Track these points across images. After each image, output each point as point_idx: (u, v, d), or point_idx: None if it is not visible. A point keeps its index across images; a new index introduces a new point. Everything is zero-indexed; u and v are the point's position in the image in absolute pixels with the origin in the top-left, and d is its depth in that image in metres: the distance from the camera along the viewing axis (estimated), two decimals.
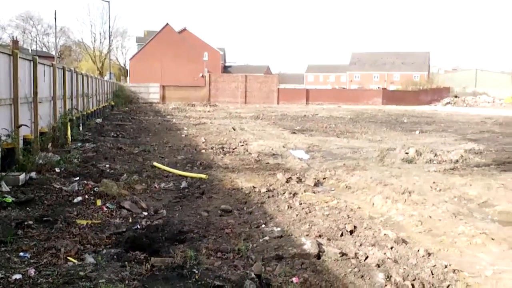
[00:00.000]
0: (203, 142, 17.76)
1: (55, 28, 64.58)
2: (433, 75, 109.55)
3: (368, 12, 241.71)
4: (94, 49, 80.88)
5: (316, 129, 25.26)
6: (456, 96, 70.04)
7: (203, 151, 15.67)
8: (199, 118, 31.21)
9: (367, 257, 6.02)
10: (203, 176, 11.00)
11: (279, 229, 7.10)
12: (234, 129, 23.33)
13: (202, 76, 62.99)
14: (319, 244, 6.29)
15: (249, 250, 6.02)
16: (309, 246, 6.19)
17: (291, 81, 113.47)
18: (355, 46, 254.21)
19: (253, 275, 5.20)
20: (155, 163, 12.39)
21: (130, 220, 7.41)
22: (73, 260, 5.51)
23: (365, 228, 7.37)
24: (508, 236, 7.44)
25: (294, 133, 22.68)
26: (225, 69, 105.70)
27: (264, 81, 56.78)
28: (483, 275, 5.79)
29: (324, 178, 11.62)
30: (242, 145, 17.08)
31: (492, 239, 7.17)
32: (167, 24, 68.48)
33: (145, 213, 7.90)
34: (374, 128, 26.25)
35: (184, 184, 10.23)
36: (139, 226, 7.06)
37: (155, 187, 9.99)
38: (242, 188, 9.90)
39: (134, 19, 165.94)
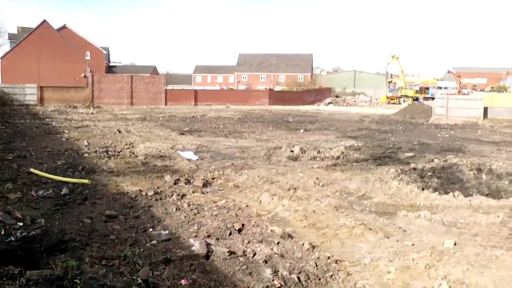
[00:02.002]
0: (86, 146, 16.90)
1: None
2: (316, 76, 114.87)
3: (253, 14, 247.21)
4: None
5: (205, 129, 25.24)
6: (337, 96, 74.10)
7: (86, 155, 14.91)
8: (82, 120, 29.66)
9: (255, 254, 6.12)
10: (85, 181, 10.45)
11: (167, 232, 6.97)
12: (120, 132, 22.50)
13: (85, 76, 60.02)
14: (208, 245, 6.28)
15: (136, 255, 5.82)
16: (197, 247, 6.14)
17: (179, 81, 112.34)
18: (241, 47, 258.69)
19: (139, 281, 5.05)
20: (32, 170, 11.53)
21: (3, 232, 6.81)
22: None
23: (253, 225, 7.50)
24: (383, 225, 7.99)
25: (182, 134, 22.43)
26: (110, 69, 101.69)
27: (151, 82, 55.43)
28: (362, 263, 6.16)
29: (213, 178, 11.64)
30: (128, 148, 16.53)
31: (370, 229, 7.66)
32: (44, 20, 64.25)
33: (21, 224, 7.31)
34: (262, 127, 26.85)
35: (65, 190, 9.63)
36: (13, 238, 6.51)
37: (32, 195, 9.29)
38: (128, 192, 9.57)
39: (6, 14, 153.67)
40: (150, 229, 7.10)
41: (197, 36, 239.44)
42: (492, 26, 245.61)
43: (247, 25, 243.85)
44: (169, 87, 69.05)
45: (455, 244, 6.86)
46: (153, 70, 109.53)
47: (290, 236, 7.09)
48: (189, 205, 8.65)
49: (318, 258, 6.13)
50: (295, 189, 10.41)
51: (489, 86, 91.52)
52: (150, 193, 9.48)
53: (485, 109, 35.15)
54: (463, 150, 17.33)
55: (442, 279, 5.54)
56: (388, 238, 7.26)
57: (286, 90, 78.46)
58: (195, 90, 64.51)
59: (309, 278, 5.56)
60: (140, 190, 9.75)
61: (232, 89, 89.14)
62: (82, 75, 61.18)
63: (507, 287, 5.28)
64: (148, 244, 6.33)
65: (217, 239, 6.73)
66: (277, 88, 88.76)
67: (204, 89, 75.03)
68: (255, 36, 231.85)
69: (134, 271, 5.36)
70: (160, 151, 16.01)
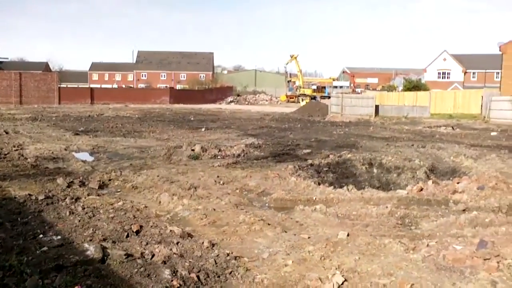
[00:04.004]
0: None
1: None
2: (218, 74, 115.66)
3: (152, 11, 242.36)
4: None
5: (102, 129, 24.32)
6: (238, 95, 75.07)
7: None
8: None
9: (153, 255, 5.99)
10: None
11: (59, 237, 6.60)
12: (7, 133, 20.95)
13: None
14: (104, 248, 6.05)
15: (24, 264, 5.44)
16: (92, 251, 5.90)
17: (74, 79, 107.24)
18: (140, 44, 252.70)
19: None
20: None
21: None
22: None
23: (152, 226, 7.35)
24: (281, 220, 8.20)
25: (77, 134, 21.42)
26: None
27: (42, 79, 52.24)
28: (261, 258, 6.25)
29: (109, 180, 11.23)
30: (17, 150, 15.42)
31: (269, 224, 7.82)
32: None
33: None
34: (162, 126, 26.43)
35: None
36: None
37: None
38: (15, 197, 8.91)
39: None
40: (41, 236, 6.68)
41: (93, 32, 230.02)
42: (382, 29, 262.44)
43: (146, 21, 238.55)
44: (63, 85, 65.91)
45: (348, 235, 7.20)
46: (45, 67, 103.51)
47: (189, 235, 7.03)
48: (84, 208, 8.26)
49: (217, 255, 6.14)
50: (195, 188, 10.35)
51: (380, 86, 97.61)
52: (41, 197, 8.91)
53: (377, 107, 37.51)
54: (356, 146, 18.30)
55: (336, 268, 5.79)
56: (286, 232, 7.45)
57: (188, 88, 78.19)
58: (91, 88, 62.12)
59: (208, 276, 5.55)
60: (29, 194, 9.12)
61: (131, 87, 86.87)
62: None
63: (393, 272, 5.65)
64: (38, 252, 5.95)
65: (114, 242, 6.50)
66: (178, 87, 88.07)
67: (101, 87, 72.53)
68: (154, 33, 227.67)
69: (21, 281, 5.01)
70: (52, 152, 15.14)
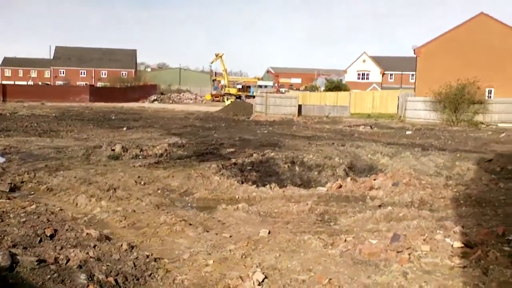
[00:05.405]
0: None
1: None
2: (141, 72, 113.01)
3: (70, 5, 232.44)
4: None
5: (15, 129, 23.00)
6: (162, 93, 73.70)
7: None
8: None
9: (68, 260, 5.72)
10: None
11: None
12: None
13: None
14: (13, 255, 5.67)
15: None
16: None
17: None
18: (58, 39, 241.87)
19: None
20: None
21: None
22: None
23: (67, 230, 7.01)
24: (203, 220, 8.16)
25: None
26: None
27: None
28: (181, 259, 6.17)
29: (22, 182, 10.63)
30: None
31: (190, 224, 7.75)
32: None
33: None
34: (81, 126, 25.46)
35: None
36: None
37: None
38: None
39: None
40: None
41: (5, 24, 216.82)
42: (306, 30, 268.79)
43: (65, 15, 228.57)
44: None
45: (269, 232, 7.29)
46: None
47: (107, 238, 6.80)
48: None
49: (136, 258, 5.98)
50: (115, 189, 10.05)
51: (304, 86, 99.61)
52: None
53: (300, 107, 38.36)
54: (280, 145, 18.59)
55: (257, 266, 5.83)
56: (208, 232, 7.41)
57: (109, 86, 75.73)
58: (3, 85, 58.78)
59: (127, 280, 5.39)
60: None
61: (48, 84, 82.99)
62: None
63: (312, 267, 5.78)
64: None
65: (25, 248, 6.12)
66: (99, 84, 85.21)
67: (14, 84, 68.72)
68: (74, 29, 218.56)
69: None
70: None
